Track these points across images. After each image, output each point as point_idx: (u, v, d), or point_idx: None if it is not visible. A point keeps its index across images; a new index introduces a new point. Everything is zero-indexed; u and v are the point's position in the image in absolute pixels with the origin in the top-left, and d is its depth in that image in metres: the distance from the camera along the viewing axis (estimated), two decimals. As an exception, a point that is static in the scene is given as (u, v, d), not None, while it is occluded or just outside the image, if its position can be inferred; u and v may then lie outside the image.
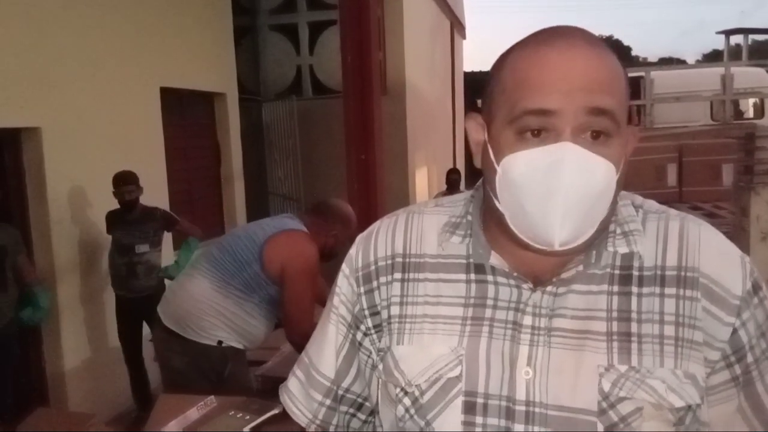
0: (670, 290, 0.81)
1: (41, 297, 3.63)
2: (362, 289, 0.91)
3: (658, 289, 0.81)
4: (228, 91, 6.42)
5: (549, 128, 0.75)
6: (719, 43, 25.26)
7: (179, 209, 5.57)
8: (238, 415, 0.93)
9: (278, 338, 3.03)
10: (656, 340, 0.79)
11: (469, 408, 0.81)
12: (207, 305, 2.59)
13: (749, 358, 0.81)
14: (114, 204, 4.27)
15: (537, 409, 0.79)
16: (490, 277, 0.85)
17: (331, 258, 2.77)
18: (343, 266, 0.95)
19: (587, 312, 0.80)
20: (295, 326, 2.57)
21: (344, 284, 0.94)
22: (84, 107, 4.39)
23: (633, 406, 0.77)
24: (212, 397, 2.18)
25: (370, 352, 0.92)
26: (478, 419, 0.81)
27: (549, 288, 0.81)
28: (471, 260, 0.86)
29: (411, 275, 0.89)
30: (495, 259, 0.84)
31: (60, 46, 4.20)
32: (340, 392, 0.96)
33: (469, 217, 0.89)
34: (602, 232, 0.81)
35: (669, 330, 0.79)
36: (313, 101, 8.24)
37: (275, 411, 0.83)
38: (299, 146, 7.95)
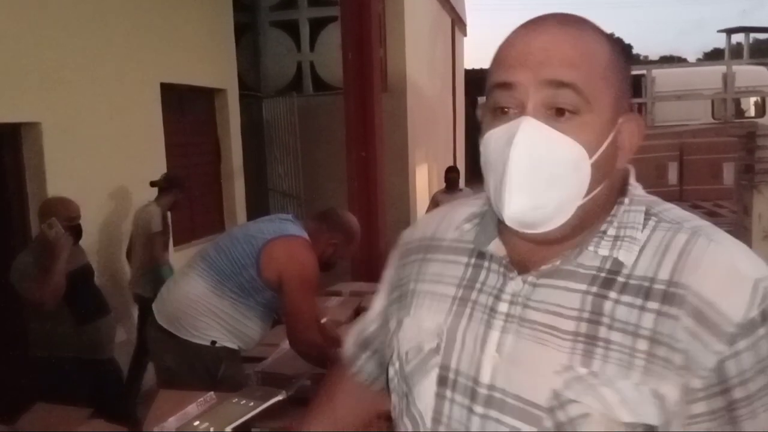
0: (652, 305, 0.75)
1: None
2: (399, 263, 1.01)
3: (639, 301, 0.76)
4: (228, 87, 6.41)
5: (513, 104, 0.77)
6: (720, 41, 25.23)
7: (179, 206, 5.56)
8: (242, 402, 0.93)
9: (278, 335, 3.03)
10: (625, 351, 0.75)
11: (442, 381, 0.86)
12: (201, 305, 2.56)
13: (738, 393, 0.73)
14: (111, 200, 4.26)
15: (497, 395, 0.80)
16: (486, 263, 0.88)
17: (328, 268, 2.72)
18: (399, 239, 1.05)
19: (557, 307, 0.80)
20: (298, 335, 2.52)
21: (394, 255, 1.04)
22: (84, 102, 4.38)
23: (581, 410, 0.75)
24: (212, 393, 2.17)
25: (391, 319, 0.99)
26: (448, 393, 0.85)
27: (530, 278, 0.82)
28: (476, 246, 0.90)
29: (429, 256, 0.96)
30: (493, 246, 0.87)
31: (60, 41, 4.19)
32: (374, 347, 1.07)
33: (485, 207, 0.92)
34: (588, 224, 0.80)
35: (642, 344, 0.74)
36: (313, 98, 8.23)
37: (279, 397, 0.84)
38: (299, 143, 7.94)
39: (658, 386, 0.73)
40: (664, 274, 0.76)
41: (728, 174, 5.91)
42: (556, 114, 0.76)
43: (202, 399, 2.13)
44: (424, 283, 0.93)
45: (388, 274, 1.03)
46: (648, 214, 0.82)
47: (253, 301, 2.59)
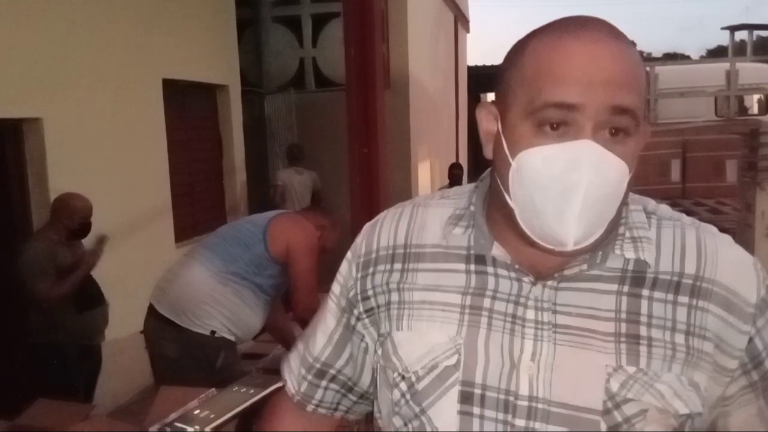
0: (683, 299, 0.80)
1: None
2: (359, 275, 0.93)
3: (671, 296, 0.80)
4: (230, 83, 6.41)
5: (569, 122, 0.74)
6: (723, 38, 25.16)
7: (181, 201, 5.57)
8: (242, 390, 0.93)
9: (279, 331, 3.06)
10: (668, 346, 0.79)
11: (466, 398, 0.81)
12: (205, 293, 2.62)
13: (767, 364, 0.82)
14: (113, 196, 4.24)
15: (540, 405, 0.78)
16: (490, 269, 0.84)
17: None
18: (348, 253, 0.97)
19: (592, 310, 0.79)
20: (303, 301, 2.68)
21: (345, 269, 0.96)
22: (86, 98, 4.38)
23: (638, 408, 0.78)
24: (214, 389, 2.17)
25: (363, 336, 0.93)
26: (476, 410, 0.81)
27: (550, 282, 0.80)
28: (472, 251, 0.86)
29: (411, 265, 0.89)
30: (497, 250, 0.83)
31: (62, 36, 4.19)
32: (332, 372, 0.98)
33: (472, 208, 0.88)
34: (610, 233, 0.79)
35: (680, 338, 0.79)
36: (315, 94, 8.22)
37: (279, 384, 0.84)
38: (301, 139, 7.93)
39: (693, 375, 0.79)
40: (690, 269, 0.81)
41: (731, 171, 5.90)
42: (610, 134, 0.75)
43: (203, 395, 2.13)
44: (413, 292, 0.87)
45: (341, 289, 0.95)
46: (647, 213, 0.86)
47: (254, 285, 2.69)
